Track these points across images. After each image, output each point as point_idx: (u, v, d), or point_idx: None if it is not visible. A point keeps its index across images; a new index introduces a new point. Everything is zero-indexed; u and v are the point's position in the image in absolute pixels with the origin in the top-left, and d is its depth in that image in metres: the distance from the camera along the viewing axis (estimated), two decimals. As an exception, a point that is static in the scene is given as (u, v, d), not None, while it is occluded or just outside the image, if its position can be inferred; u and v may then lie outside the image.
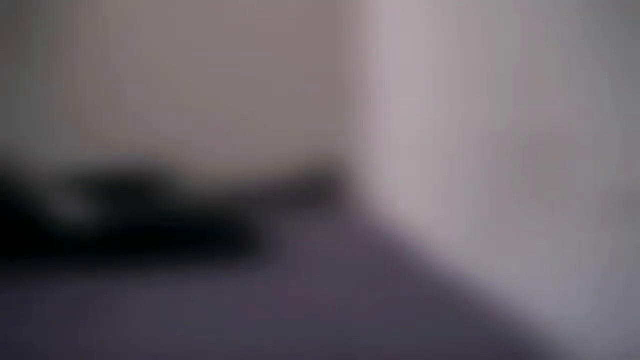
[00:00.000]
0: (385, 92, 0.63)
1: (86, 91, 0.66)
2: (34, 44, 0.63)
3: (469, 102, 0.46)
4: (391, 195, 0.61)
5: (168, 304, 0.45)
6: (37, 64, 0.60)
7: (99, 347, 0.38)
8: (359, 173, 0.72)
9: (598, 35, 0.33)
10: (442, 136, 0.50)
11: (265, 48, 0.81)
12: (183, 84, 0.79)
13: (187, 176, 0.65)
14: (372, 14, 0.66)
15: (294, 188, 0.82)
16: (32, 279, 0.50)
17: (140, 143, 0.66)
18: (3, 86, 0.71)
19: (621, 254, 0.32)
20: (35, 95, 0.61)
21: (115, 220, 0.53)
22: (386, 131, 0.63)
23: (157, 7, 0.65)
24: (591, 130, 0.33)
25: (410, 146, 0.56)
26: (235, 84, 0.84)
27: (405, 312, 0.42)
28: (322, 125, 0.82)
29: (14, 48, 0.60)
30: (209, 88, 0.82)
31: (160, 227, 0.54)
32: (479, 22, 0.45)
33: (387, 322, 0.41)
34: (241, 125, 0.83)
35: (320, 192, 0.81)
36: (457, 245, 0.48)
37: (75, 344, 0.38)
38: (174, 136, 0.70)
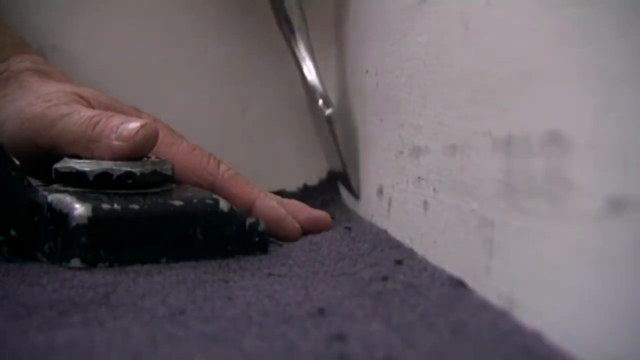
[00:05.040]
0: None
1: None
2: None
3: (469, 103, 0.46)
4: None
5: (169, 302, 0.45)
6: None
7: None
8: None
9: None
10: (442, 137, 0.50)
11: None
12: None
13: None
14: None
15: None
16: None
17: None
18: None
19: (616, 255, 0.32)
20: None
21: (116, 214, 0.53)
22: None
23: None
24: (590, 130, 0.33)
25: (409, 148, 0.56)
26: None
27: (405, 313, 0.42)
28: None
29: None
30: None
31: (163, 223, 0.54)
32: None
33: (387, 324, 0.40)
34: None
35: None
36: (455, 245, 0.48)
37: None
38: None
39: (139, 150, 0.56)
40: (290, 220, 0.61)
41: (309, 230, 0.62)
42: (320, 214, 0.64)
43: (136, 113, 0.63)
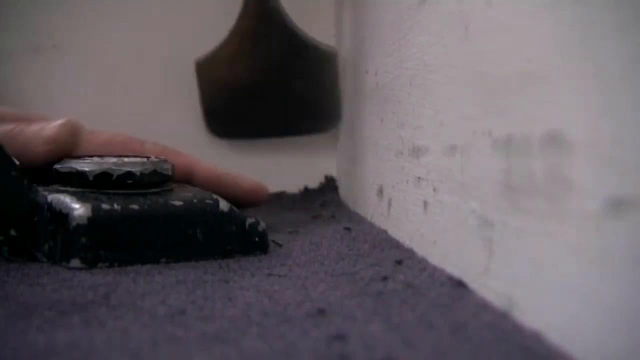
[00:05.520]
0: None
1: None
2: None
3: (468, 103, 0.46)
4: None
5: (169, 302, 0.45)
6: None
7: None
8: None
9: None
10: (441, 138, 0.50)
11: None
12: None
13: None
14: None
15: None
16: None
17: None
18: None
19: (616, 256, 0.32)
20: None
21: (116, 214, 0.53)
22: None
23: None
24: (589, 130, 0.33)
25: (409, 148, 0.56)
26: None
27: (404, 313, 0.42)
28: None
29: None
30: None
31: (163, 224, 0.54)
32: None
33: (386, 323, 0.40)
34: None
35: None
36: (454, 246, 0.48)
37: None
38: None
39: (68, 148, 0.58)
40: (232, 177, 0.63)
41: (249, 201, 0.64)
42: (258, 183, 0.65)
43: (44, 117, 0.62)
